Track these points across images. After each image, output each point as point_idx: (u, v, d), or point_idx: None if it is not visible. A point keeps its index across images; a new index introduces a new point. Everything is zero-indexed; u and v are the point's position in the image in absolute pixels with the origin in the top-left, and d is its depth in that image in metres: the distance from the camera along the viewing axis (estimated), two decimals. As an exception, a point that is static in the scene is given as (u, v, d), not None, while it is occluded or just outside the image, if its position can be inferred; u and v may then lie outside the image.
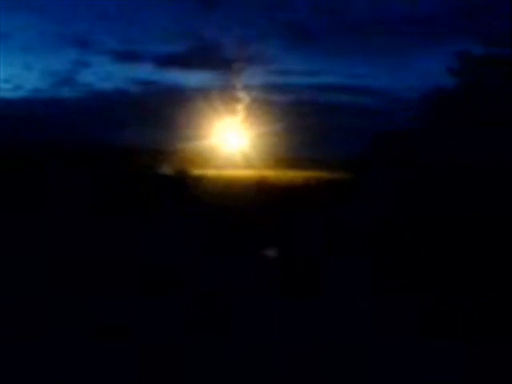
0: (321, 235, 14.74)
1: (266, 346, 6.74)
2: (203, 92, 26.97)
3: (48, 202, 18.67)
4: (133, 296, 8.86)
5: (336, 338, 7.13)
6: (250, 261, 11.66)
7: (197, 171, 24.09)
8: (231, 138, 26.94)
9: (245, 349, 6.69)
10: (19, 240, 12.98)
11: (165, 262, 10.98)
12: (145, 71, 35.97)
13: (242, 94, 26.70)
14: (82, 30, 35.26)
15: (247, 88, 27.32)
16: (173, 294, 8.99)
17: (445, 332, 7.30)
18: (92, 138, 26.38)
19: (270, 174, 24.94)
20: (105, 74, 38.06)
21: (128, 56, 34.00)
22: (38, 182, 20.06)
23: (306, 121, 27.11)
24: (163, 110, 26.54)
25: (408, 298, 8.82)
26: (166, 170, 24.77)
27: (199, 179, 22.37)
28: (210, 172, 24.15)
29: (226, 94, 26.85)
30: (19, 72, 34.76)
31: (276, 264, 11.67)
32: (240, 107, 26.14)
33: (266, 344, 6.82)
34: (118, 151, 25.02)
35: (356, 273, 10.76)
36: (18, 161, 22.71)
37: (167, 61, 32.26)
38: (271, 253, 12.53)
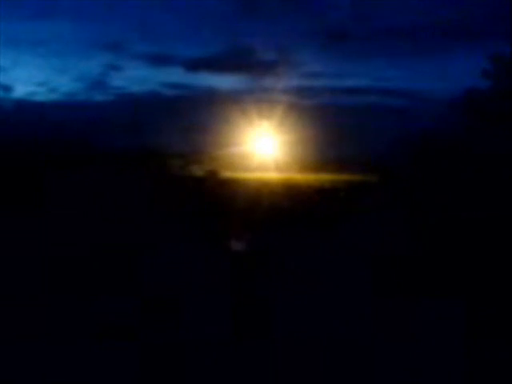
0: (350, 237, 14.74)
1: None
2: (235, 95, 27.11)
3: (79, 203, 18.99)
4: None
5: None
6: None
7: (228, 174, 24.24)
8: (262, 142, 27.05)
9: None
10: (63, 238, 13.21)
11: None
12: (177, 74, 36.24)
13: (273, 97, 26.76)
14: (114, 34, 35.69)
15: (278, 91, 27.37)
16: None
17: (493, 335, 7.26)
18: (123, 140, 26.71)
19: (300, 177, 24.97)
20: (137, 78, 38.46)
21: (160, 59, 34.32)
22: (70, 184, 20.40)
23: (336, 124, 27.06)
24: (195, 114, 26.76)
25: (451, 301, 8.76)
26: (197, 172, 24.98)
27: (230, 182, 22.51)
28: (241, 175, 24.27)
29: (258, 97, 26.95)
30: (53, 76, 35.29)
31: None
32: (271, 110, 26.21)
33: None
34: (149, 154, 25.29)
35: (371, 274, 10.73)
36: (51, 163, 23.12)
37: (199, 64, 32.48)
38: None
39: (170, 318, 7.48)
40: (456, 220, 15.80)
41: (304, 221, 16.80)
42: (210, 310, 8.34)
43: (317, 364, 6.29)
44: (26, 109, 29.94)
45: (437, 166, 21.98)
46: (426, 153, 23.34)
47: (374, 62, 35.04)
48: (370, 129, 29.38)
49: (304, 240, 14.16)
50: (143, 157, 24.65)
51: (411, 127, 27.55)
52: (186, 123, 26.62)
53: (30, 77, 30.93)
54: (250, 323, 7.95)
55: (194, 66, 33.66)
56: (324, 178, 28.48)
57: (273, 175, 25.07)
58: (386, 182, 24.52)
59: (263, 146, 26.19)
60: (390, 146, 26.68)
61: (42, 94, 32.88)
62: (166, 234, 14.93)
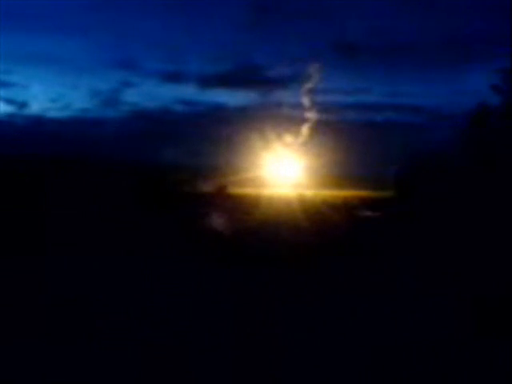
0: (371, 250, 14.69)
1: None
2: (246, 111, 27.21)
3: (92, 216, 19.06)
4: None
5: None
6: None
7: (238, 189, 24.25)
8: (273, 157, 27.03)
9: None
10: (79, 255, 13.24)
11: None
12: (189, 91, 36.51)
13: (285, 113, 26.78)
14: (128, 51, 36.14)
15: (290, 106, 27.39)
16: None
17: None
18: (136, 156, 26.85)
19: (312, 192, 24.89)
20: (150, 94, 38.81)
21: (172, 76, 34.66)
22: (81, 197, 20.51)
23: (349, 139, 26.99)
24: (207, 129, 26.87)
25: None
26: (208, 187, 25.03)
27: (240, 197, 22.50)
28: (251, 190, 24.26)
29: (269, 113, 26.99)
30: (68, 92, 35.71)
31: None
32: (283, 126, 26.23)
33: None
34: (161, 169, 25.37)
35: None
36: (65, 177, 23.27)
37: (211, 80, 32.74)
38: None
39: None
40: (470, 231, 15.68)
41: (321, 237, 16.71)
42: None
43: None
44: (41, 125, 30.29)
45: (450, 181, 21.84)
46: (440, 168, 23.18)
47: (387, 77, 34.99)
48: (384, 145, 29.26)
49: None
50: (155, 172, 24.74)
51: (425, 142, 27.41)
52: (198, 138, 26.78)
53: (45, 93, 31.32)
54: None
55: (206, 82, 33.86)
56: (337, 194, 28.36)
57: (284, 191, 25.02)
58: (403, 197, 24.36)
59: (272, 160, 26.21)
60: (406, 162, 26.55)
61: (56, 110, 33.26)
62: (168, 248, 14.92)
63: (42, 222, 17.64)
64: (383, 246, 15.44)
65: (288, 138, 26.04)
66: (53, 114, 33.10)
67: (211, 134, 25.73)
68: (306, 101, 28.37)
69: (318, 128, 26.75)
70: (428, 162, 24.52)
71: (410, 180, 25.30)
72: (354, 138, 27.48)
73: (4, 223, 16.50)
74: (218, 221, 18.30)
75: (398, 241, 16.25)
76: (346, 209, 23.20)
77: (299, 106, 28.06)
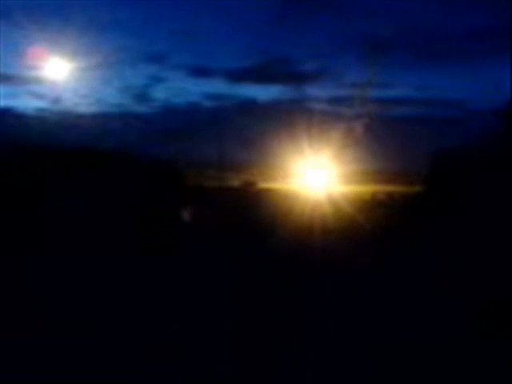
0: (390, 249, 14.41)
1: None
2: (275, 105, 26.98)
3: (118, 209, 19.07)
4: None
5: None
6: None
7: (266, 184, 24.09)
8: (303, 152, 26.76)
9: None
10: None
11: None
12: (218, 86, 36.43)
13: (314, 107, 26.50)
14: (158, 46, 36.20)
15: (318, 101, 27.11)
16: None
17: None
18: (165, 151, 26.84)
19: (339, 187, 24.61)
20: (179, 89, 38.82)
21: (201, 71, 34.58)
22: (109, 191, 20.53)
23: (376, 134, 26.62)
24: (235, 124, 26.75)
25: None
26: (236, 182, 24.92)
27: (268, 192, 22.34)
28: (279, 185, 24.08)
29: (299, 107, 26.74)
30: (98, 87, 35.92)
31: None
32: (313, 120, 25.96)
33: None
34: (189, 164, 25.33)
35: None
36: (94, 172, 23.35)
37: (240, 75, 32.58)
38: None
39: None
40: (504, 228, 15.29)
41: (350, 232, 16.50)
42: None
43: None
44: (72, 120, 30.51)
45: (483, 176, 21.38)
46: (472, 163, 22.73)
47: (417, 71, 34.41)
48: (415, 139, 28.79)
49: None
50: (182, 167, 24.69)
51: (457, 137, 26.87)
52: (226, 133, 26.63)
53: (77, 89, 31.52)
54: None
55: (235, 77, 33.69)
56: (368, 189, 28.00)
57: (313, 186, 24.75)
58: (434, 192, 23.96)
59: (300, 154, 25.91)
60: (436, 157, 26.05)
61: (87, 106, 33.51)
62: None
63: (71, 216, 17.70)
64: (406, 246, 15.14)
65: (317, 133, 25.77)
66: (83, 109, 33.30)
67: (240, 128, 25.58)
68: (335, 95, 28.00)
69: (349, 122, 26.43)
70: (460, 157, 24.06)
71: (442, 175, 24.86)
72: (384, 132, 27.10)
73: (32, 218, 16.59)
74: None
75: (423, 240, 15.92)
76: (374, 206, 22.91)
77: (328, 100, 27.79)
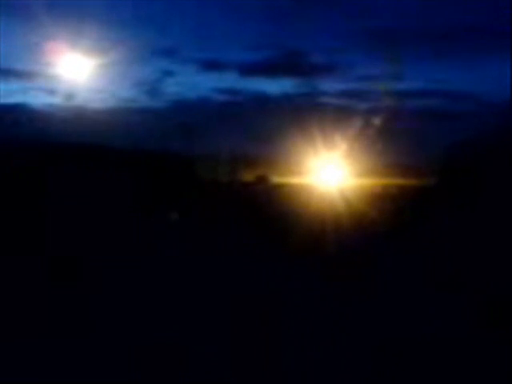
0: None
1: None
2: (286, 99, 26.88)
3: (130, 207, 19.13)
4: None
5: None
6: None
7: (278, 178, 24.02)
8: (314, 146, 26.63)
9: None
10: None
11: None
12: (229, 79, 36.35)
13: (326, 100, 26.36)
14: (169, 40, 36.14)
15: (330, 94, 26.96)
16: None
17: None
18: (177, 145, 26.88)
19: (352, 181, 24.48)
20: (190, 83, 38.76)
21: (213, 65, 34.49)
22: (124, 189, 20.58)
23: (390, 127, 26.42)
24: (247, 118, 26.68)
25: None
26: (249, 177, 24.88)
27: (280, 186, 22.28)
28: (292, 179, 23.99)
29: (311, 101, 26.60)
30: (110, 82, 35.98)
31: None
32: (324, 113, 25.83)
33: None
34: (201, 158, 25.36)
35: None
36: (106, 168, 23.44)
37: (251, 68, 32.45)
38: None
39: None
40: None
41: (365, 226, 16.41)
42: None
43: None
44: (85, 115, 30.58)
45: (497, 169, 21.21)
46: (486, 156, 22.56)
47: (431, 63, 34.12)
48: (428, 132, 28.58)
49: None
50: (194, 161, 24.74)
51: (471, 130, 26.65)
52: (238, 127, 26.58)
53: (89, 84, 31.52)
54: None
55: (246, 70, 33.57)
56: (381, 183, 27.83)
57: (326, 180, 24.63)
58: (448, 185, 23.83)
59: (312, 148, 25.75)
60: (450, 150, 25.87)
61: (97, 101, 33.58)
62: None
63: (83, 212, 17.75)
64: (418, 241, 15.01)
65: (329, 126, 25.63)
66: (96, 104, 33.37)
67: (252, 123, 25.50)
68: (347, 88, 27.85)
69: (361, 116, 26.25)
70: (474, 150, 23.88)
71: (455, 168, 24.70)
72: (397, 125, 26.91)
73: (47, 213, 16.67)
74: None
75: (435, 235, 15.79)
76: (386, 200, 22.78)
77: (340, 93, 27.62)
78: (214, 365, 6.22)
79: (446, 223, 17.31)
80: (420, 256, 12.75)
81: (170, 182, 22.41)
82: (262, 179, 24.19)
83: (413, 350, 6.76)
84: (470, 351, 6.80)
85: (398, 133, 26.09)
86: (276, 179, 24.16)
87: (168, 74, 35.35)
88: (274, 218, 17.08)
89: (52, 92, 34.54)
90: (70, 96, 30.19)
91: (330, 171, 24.90)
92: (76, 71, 29.10)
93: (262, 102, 29.47)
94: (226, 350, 6.69)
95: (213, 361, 6.32)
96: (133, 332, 7.25)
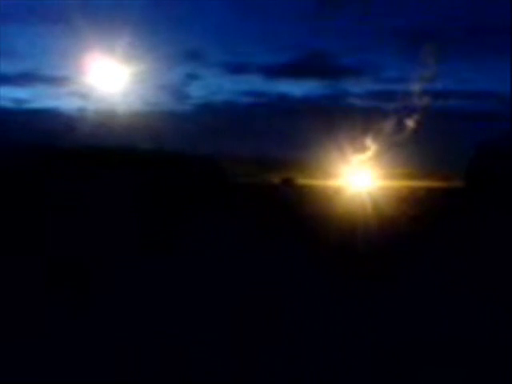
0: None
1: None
2: (312, 101, 26.85)
3: (156, 207, 19.27)
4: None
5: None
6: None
7: (304, 180, 24.00)
8: (340, 147, 26.58)
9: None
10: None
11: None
12: (254, 82, 36.45)
13: (352, 102, 26.25)
14: (194, 44, 36.39)
15: (357, 96, 26.86)
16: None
17: None
18: (201, 148, 27.05)
19: (380, 183, 24.36)
20: (215, 87, 38.96)
21: (238, 68, 34.62)
22: (144, 190, 20.74)
23: (418, 128, 26.22)
24: (272, 120, 26.71)
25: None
26: (274, 178, 24.92)
27: (305, 188, 22.24)
28: (317, 182, 23.95)
29: (336, 103, 26.52)
30: (137, 86, 36.30)
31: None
32: (349, 115, 25.75)
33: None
34: (226, 161, 25.47)
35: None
36: (131, 169, 23.64)
37: (276, 71, 32.50)
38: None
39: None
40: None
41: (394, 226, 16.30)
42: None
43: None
44: (113, 119, 30.90)
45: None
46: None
47: (456, 64, 33.79)
48: (456, 133, 28.31)
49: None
50: (221, 163, 24.85)
51: (497, 131, 26.34)
52: (263, 129, 26.64)
53: (116, 88, 31.84)
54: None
55: (271, 72, 33.63)
56: (409, 185, 27.69)
57: (353, 182, 24.56)
58: (475, 187, 23.59)
59: (340, 151, 25.69)
60: (478, 151, 25.57)
61: (124, 105, 33.87)
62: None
63: (108, 211, 17.91)
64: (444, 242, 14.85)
65: (356, 127, 25.55)
66: (120, 107, 33.69)
67: (277, 125, 25.53)
68: (374, 90, 27.71)
69: (388, 117, 26.11)
70: (503, 152, 23.62)
71: (484, 171, 24.44)
72: (423, 126, 26.70)
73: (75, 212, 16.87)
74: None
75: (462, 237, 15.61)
76: (413, 202, 22.62)
77: (366, 95, 27.50)
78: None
79: (473, 224, 17.13)
80: (445, 258, 12.63)
81: (196, 184, 22.53)
82: (288, 181, 24.20)
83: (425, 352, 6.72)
84: (491, 354, 6.73)
85: (427, 134, 25.89)
86: (302, 181, 24.16)
87: (194, 77, 35.62)
88: (299, 218, 17.07)
89: (82, 96, 34.99)
90: (97, 100, 30.57)
91: (357, 173, 24.79)
92: (104, 76, 29.47)
93: (287, 104, 29.47)
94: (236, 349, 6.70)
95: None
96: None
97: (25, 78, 33.52)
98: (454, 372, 6.36)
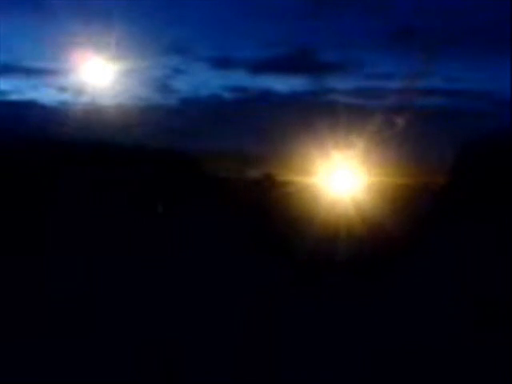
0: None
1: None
2: (296, 97, 26.62)
3: (138, 206, 19.08)
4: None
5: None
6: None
7: (286, 177, 23.83)
8: (323, 144, 26.34)
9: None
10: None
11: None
12: (239, 77, 36.21)
13: (337, 99, 26.09)
14: (179, 37, 36.02)
15: (342, 93, 26.68)
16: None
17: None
18: (184, 143, 26.77)
19: (362, 180, 24.18)
20: (199, 81, 38.65)
21: (223, 62, 34.33)
22: (127, 187, 20.53)
23: (403, 126, 26.06)
24: (256, 116, 26.47)
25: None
26: (255, 174, 24.74)
27: (287, 185, 22.10)
28: (298, 178, 23.77)
29: (321, 99, 26.34)
30: (120, 79, 35.93)
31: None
32: (335, 112, 25.52)
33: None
34: (208, 156, 25.25)
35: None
36: (113, 166, 23.41)
37: (261, 66, 32.22)
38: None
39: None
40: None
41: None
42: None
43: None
44: (95, 112, 30.53)
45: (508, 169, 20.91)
46: (500, 156, 22.29)
47: (443, 61, 33.67)
48: (443, 131, 28.18)
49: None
50: (202, 158, 24.61)
51: (482, 130, 26.25)
52: (247, 125, 26.38)
53: (99, 81, 31.42)
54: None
55: (256, 67, 33.41)
56: (393, 182, 27.51)
57: (334, 179, 24.35)
58: (458, 185, 23.59)
59: (321, 147, 25.39)
60: (461, 150, 25.54)
61: (108, 98, 33.43)
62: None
63: (91, 210, 17.71)
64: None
65: (339, 124, 25.33)
66: (103, 101, 33.29)
67: (261, 120, 25.27)
68: (357, 86, 27.55)
69: (373, 114, 25.92)
70: (488, 150, 23.61)
71: (468, 168, 24.43)
72: (410, 124, 26.55)
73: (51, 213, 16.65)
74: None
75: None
76: (396, 199, 22.50)
77: (352, 92, 27.30)
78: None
79: (457, 223, 17.07)
80: (433, 259, 12.54)
81: (178, 179, 22.33)
82: (268, 177, 24.03)
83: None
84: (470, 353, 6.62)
85: (412, 132, 25.73)
86: (283, 178, 23.96)
87: (179, 71, 35.34)
88: (278, 216, 16.91)
89: (62, 89, 34.62)
90: (79, 93, 30.15)
91: (339, 170, 24.60)
92: (86, 68, 29.07)
93: (271, 100, 29.21)
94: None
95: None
96: (132, 332, 7.14)
97: (6, 70, 33.11)
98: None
